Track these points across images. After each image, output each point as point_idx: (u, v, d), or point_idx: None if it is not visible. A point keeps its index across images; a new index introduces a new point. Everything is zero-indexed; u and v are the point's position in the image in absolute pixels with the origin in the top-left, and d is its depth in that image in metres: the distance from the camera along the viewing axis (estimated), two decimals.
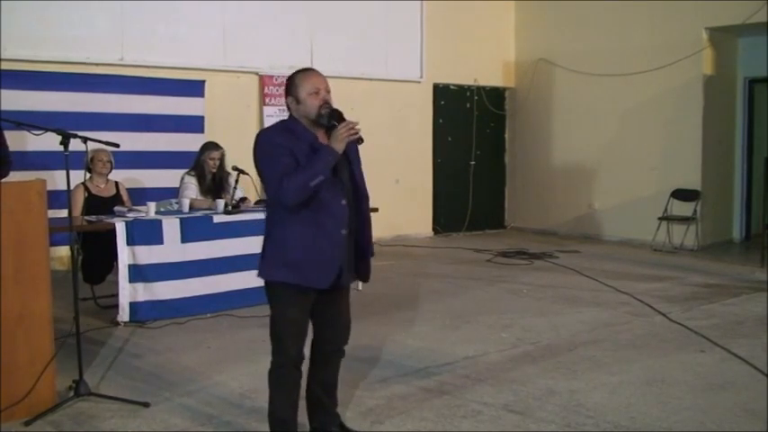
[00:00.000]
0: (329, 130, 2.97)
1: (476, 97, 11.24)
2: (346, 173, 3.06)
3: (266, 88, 9.00)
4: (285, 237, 2.98)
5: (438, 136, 10.86)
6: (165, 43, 8.26)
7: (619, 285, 6.91)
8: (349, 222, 3.02)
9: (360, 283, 6.46)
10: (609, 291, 6.75)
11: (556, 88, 10.90)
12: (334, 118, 2.95)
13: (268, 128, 3.11)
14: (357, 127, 2.92)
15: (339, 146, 2.89)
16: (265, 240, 3.06)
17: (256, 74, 9.02)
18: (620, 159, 10.08)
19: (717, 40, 9.39)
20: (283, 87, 3.10)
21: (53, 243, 4.16)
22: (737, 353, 4.71)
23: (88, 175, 5.95)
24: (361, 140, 2.97)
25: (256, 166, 3.00)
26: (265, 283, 3.07)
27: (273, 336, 3.07)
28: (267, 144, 2.96)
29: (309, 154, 2.92)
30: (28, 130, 3.82)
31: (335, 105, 3.02)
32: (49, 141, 3.99)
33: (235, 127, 8.36)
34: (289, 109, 3.06)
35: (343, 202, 2.99)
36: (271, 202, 3.09)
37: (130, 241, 5.42)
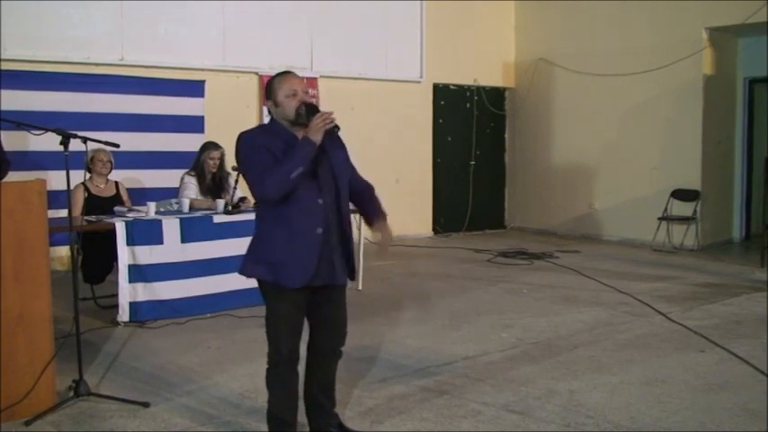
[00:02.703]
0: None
1: (476, 97, 11.24)
2: (326, 172, 3.04)
3: None
4: (262, 234, 3.06)
5: (438, 136, 10.86)
6: (165, 43, 8.27)
7: (619, 285, 6.91)
8: (329, 221, 3.02)
9: (360, 283, 6.50)
10: (609, 291, 6.75)
11: (556, 88, 10.90)
12: (311, 112, 2.99)
13: (249, 129, 3.15)
14: (332, 116, 2.94)
15: (316, 136, 2.92)
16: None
17: (256, 74, 9.01)
18: (620, 159, 10.08)
19: (717, 40, 9.38)
20: None
21: (53, 243, 4.16)
22: (737, 353, 4.71)
23: (88, 175, 5.96)
24: (336, 128, 2.98)
25: (239, 166, 3.06)
26: (257, 281, 3.10)
27: (267, 334, 3.10)
28: (247, 144, 3.01)
29: (288, 150, 2.95)
30: (28, 130, 3.82)
31: (324, 106, 3.07)
32: (49, 141, 3.99)
33: (235, 127, 8.21)
34: (269, 113, 3.11)
35: (320, 200, 3.00)
36: (255, 198, 3.14)
37: (130, 241, 5.42)
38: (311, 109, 3.00)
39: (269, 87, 3.08)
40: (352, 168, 3.22)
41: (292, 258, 2.96)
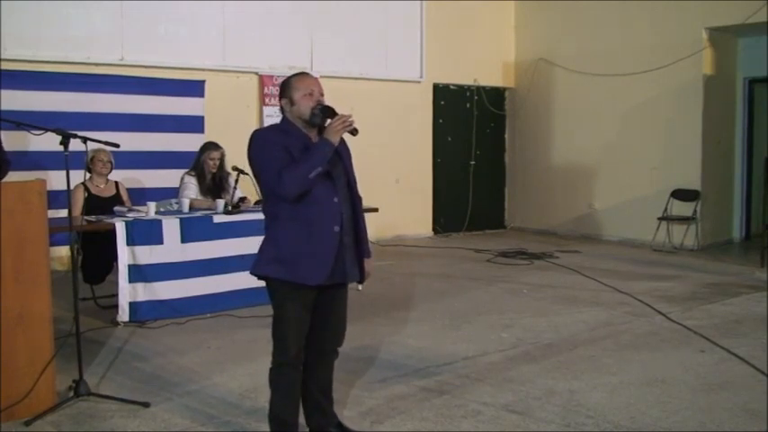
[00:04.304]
0: (322, 131, 3.03)
1: (476, 97, 11.24)
2: (339, 171, 3.08)
3: (266, 88, 9.00)
4: (277, 233, 3.03)
5: (438, 136, 10.86)
6: (165, 43, 8.27)
7: (619, 285, 6.91)
8: (343, 220, 3.04)
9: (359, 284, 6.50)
10: (609, 291, 6.75)
11: (556, 88, 10.90)
12: (326, 114, 3.02)
13: (262, 128, 3.17)
14: (351, 119, 2.97)
15: (334, 138, 2.95)
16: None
17: (256, 74, 9.02)
18: (620, 159, 10.08)
19: (717, 40, 9.38)
20: None
21: (53, 243, 4.16)
22: (737, 353, 4.71)
23: (88, 175, 5.95)
24: (355, 131, 3.00)
25: (251, 164, 3.05)
26: (266, 281, 3.08)
27: (274, 335, 3.09)
28: (262, 141, 3.01)
29: (304, 151, 2.97)
30: (28, 130, 3.82)
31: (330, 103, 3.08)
32: (49, 141, 3.99)
33: (235, 127, 8.34)
34: (282, 111, 3.12)
35: (336, 199, 3.02)
36: (265, 198, 3.12)
37: (130, 241, 5.42)
38: (328, 111, 3.02)
39: (285, 86, 3.09)
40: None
41: (311, 256, 2.97)
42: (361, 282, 3.25)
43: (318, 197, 2.97)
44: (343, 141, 3.08)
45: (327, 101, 3.12)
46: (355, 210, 3.15)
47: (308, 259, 2.97)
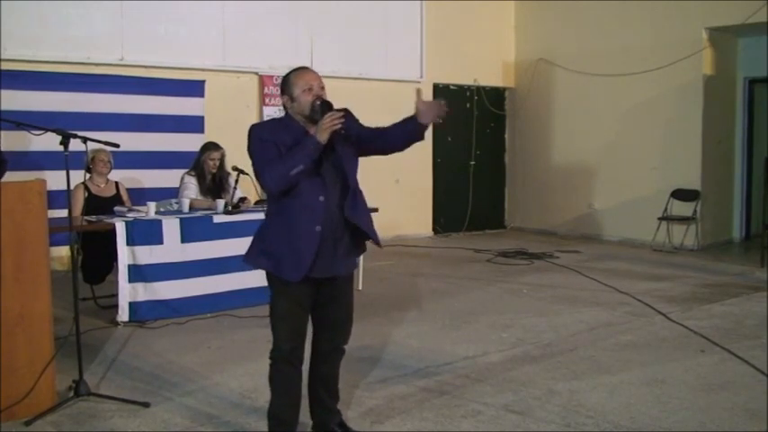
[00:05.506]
0: None
1: (476, 97, 11.24)
2: (332, 168, 3.02)
3: (266, 88, 9.00)
4: (266, 227, 3.11)
5: (438, 136, 10.85)
6: (165, 43, 8.27)
7: (619, 285, 6.91)
8: (331, 219, 2.99)
9: (360, 283, 6.50)
10: (609, 291, 6.75)
11: (556, 88, 10.90)
12: (326, 109, 2.97)
13: (260, 122, 3.16)
14: (341, 119, 2.92)
15: (322, 136, 2.90)
16: None
17: (256, 74, 9.02)
18: (620, 159, 10.08)
19: (717, 40, 9.38)
20: None
21: (53, 243, 4.15)
22: (737, 353, 4.71)
23: (88, 175, 5.95)
24: (342, 131, 2.95)
25: (250, 158, 3.06)
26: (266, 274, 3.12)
27: (271, 328, 3.11)
28: (255, 137, 3.03)
29: (293, 146, 2.95)
30: (28, 130, 3.83)
31: (330, 100, 3.04)
32: (49, 141, 4.00)
33: (234, 127, 8.31)
34: (285, 108, 3.11)
35: (321, 198, 2.98)
36: (266, 193, 3.18)
37: (130, 241, 5.42)
38: (326, 106, 2.98)
39: (285, 82, 3.07)
40: (361, 127, 3.11)
41: (289, 253, 2.97)
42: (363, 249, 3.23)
43: (302, 195, 2.95)
44: (346, 144, 3.04)
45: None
46: (350, 205, 3.05)
47: (287, 255, 2.98)
